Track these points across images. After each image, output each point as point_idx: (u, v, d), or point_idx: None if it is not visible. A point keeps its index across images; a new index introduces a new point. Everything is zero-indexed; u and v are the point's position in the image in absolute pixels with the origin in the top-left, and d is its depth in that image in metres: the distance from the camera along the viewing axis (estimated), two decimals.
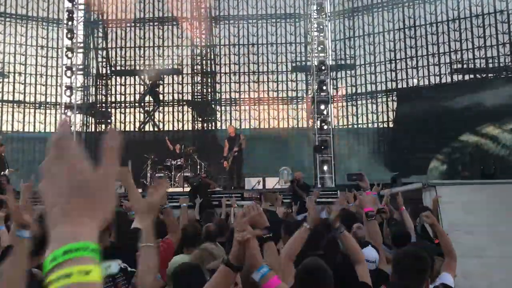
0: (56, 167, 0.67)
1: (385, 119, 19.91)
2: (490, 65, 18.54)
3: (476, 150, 15.34)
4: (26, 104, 20.26)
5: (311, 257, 2.66)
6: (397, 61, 19.67)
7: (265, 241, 2.47)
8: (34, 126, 20.35)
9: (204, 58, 20.73)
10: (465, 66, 18.81)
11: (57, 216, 0.63)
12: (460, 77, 19.12)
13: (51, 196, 0.64)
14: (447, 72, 19.04)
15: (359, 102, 20.34)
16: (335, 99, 19.73)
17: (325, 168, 16.75)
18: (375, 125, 20.12)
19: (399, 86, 19.67)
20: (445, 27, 19.03)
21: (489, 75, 18.77)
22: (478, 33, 18.52)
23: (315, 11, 17.48)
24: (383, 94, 19.92)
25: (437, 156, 17.22)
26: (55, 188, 0.65)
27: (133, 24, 20.93)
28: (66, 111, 17.99)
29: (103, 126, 20.63)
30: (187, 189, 13.06)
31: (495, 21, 18.33)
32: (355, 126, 20.37)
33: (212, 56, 20.90)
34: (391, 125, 19.71)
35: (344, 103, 20.50)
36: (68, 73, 17.13)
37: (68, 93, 16.92)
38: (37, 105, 20.39)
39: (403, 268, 2.75)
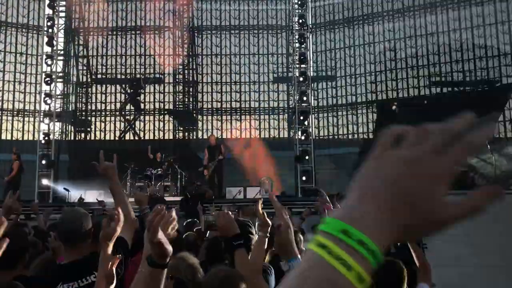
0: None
1: (365, 130, 20.17)
2: (467, 78, 18.97)
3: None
4: (3, 111, 19.92)
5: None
6: (377, 73, 19.99)
7: (235, 248, 2.47)
8: (12, 133, 20.01)
9: (186, 67, 20.72)
10: (443, 79, 19.21)
11: (372, 202, 0.55)
12: (439, 89, 19.50)
13: (380, 184, 0.56)
14: (425, 85, 19.41)
15: (339, 113, 20.56)
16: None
17: (304, 178, 16.81)
18: (355, 136, 20.34)
19: (379, 97, 19.97)
20: (424, 41, 19.44)
21: (466, 88, 19.20)
22: (456, 47, 18.96)
23: (297, 23, 17.64)
24: (363, 105, 20.19)
25: None
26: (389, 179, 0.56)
27: (114, 32, 20.83)
28: (45, 119, 17.74)
29: (83, 134, 20.40)
30: (168, 198, 12.98)
31: (471, 36, 18.79)
32: (336, 136, 20.56)
33: (194, 66, 20.90)
34: (371, 136, 19.95)
35: (325, 114, 20.71)
36: (48, 80, 16.92)
37: (47, 100, 16.69)
38: (15, 112, 20.07)
39: (379, 281, 2.77)
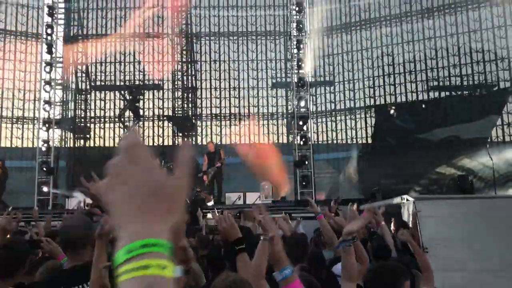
0: (129, 170, 0.67)
1: (364, 135, 20.22)
2: (465, 83, 19.05)
3: (453, 183, 15.47)
4: (2, 119, 19.94)
5: (302, 273, 2.69)
6: (375, 78, 20.06)
7: (237, 253, 2.48)
8: (11, 141, 20.02)
9: (185, 73, 20.77)
10: (441, 83, 19.29)
11: (129, 215, 0.64)
12: (436, 94, 19.57)
13: (120, 196, 0.65)
14: (423, 89, 19.48)
15: (338, 118, 20.61)
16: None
17: (304, 183, 16.82)
18: (354, 141, 20.39)
19: (377, 102, 20.03)
20: (421, 45, 19.53)
21: (464, 92, 19.28)
22: (453, 51, 19.06)
23: (295, 29, 17.72)
24: (361, 110, 20.25)
25: (415, 188, 17.28)
26: (126, 189, 0.65)
27: (113, 39, 20.89)
28: (44, 126, 17.74)
29: (82, 141, 20.40)
30: None
31: (469, 40, 18.89)
32: (335, 141, 20.61)
33: (193, 72, 20.96)
34: (369, 140, 20.01)
35: (324, 119, 20.77)
36: (47, 87, 16.95)
37: (46, 108, 16.71)
38: (14, 119, 20.08)
39: (372, 285, 2.78)
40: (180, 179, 0.71)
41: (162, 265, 0.60)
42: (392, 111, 19.31)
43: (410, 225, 6.27)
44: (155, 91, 20.82)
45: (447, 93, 19.50)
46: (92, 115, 20.62)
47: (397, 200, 7.42)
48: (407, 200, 7.20)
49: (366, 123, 20.18)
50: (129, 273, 0.59)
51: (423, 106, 19.23)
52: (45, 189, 15.89)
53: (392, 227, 5.89)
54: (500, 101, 18.39)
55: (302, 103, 17.30)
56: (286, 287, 2.01)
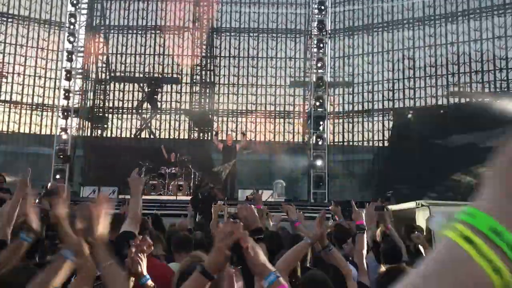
0: None
1: (381, 138, 20.05)
2: (486, 90, 18.75)
3: (468, 190, 15.22)
4: (22, 105, 20.22)
5: (313, 269, 2.68)
6: (395, 81, 19.86)
7: (256, 242, 2.48)
8: (30, 127, 20.30)
9: (204, 68, 20.82)
10: (461, 89, 19.02)
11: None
12: (456, 100, 19.30)
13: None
14: (443, 95, 19.23)
15: (355, 120, 20.47)
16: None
17: (318, 183, 16.76)
18: (370, 143, 20.23)
19: (396, 105, 19.83)
20: (444, 50, 19.27)
21: (485, 99, 18.97)
22: (476, 57, 18.76)
23: (316, 28, 17.62)
24: (379, 113, 20.07)
25: (429, 194, 17.07)
26: None
27: (134, 31, 21.03)
28: (63, 114, 17.95)
29: (99, 131, 20.60)
30: (181, 197, 13.07)
31: (492, 47, 18.58)
32: (351, 143, 20.47)
33: (212, 67, 21.00)
34: (386, 144, 19.82)
35: (340, 120, 20.64)
36: (67, 76, 17.14)
37: (66, 96, 16.90)
38: (34, 106, 20.36)
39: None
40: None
41: (498, 266, 0.51)
42: (410, 115, 19.11)
43: (424, 231, 6.20)
44: (174, 84, 20.91)
45: (467, 100, 19.22)
46: (111, 105, 20.79)
47: (411, 204, 7.33)
48: (422, 205, 7.10)
49: (383, 126, 20.01)
50: (474, 250, 0.51)
51: (442, 111, 18.98)
52: (57, 176, 16.05)
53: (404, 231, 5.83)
54: None
55: (319, 103, 17.21)
56: None
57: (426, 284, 0.52)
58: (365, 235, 4.13)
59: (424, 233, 6.11)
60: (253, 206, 2.64)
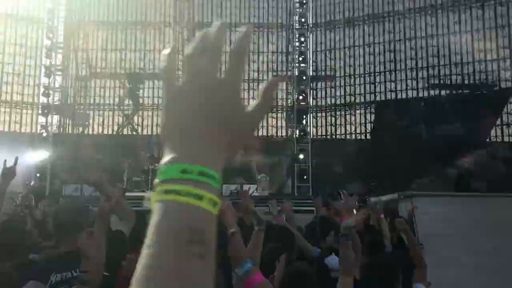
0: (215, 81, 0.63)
1: (363, 131, 20.20)
2: (466, 81, 19.01)
3: (450, 181, 15.35)
4: (1, 103, 19.85)
5: (298, 262, 2.70)
6: (376, 74, 20.02)
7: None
8: (9, 125, 19.95)
9: None
10: (441, 81, 19.25)
11: (189, 133, 0.58)
12: (437, 92, 19.53)
13: (189, 106, 0.59)
14: (424, 87, 19.45)
15: (337, 113, 20.58)
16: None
17: (302, 176, 16.85)
18: (353, 136, 20.37)
19: (377, 98, 20.00)
20: (423, 42, 19.47)
21: (465, 91, 19.23)
22: (455, 50, 19.00)
23: (297, 22, 17.66)
24: (361, 106, 20.21)
25: (412, 185, 17.14)
26: (199, 101, 0.60)
27: (114, 27, 20.79)
28: (43, 112, 17.71)
29: (80, 128, 20.36)
30: None
31: (471, 38, 18.84)
32: (333, 136, 20.59)
33: None
34: (368, 136, 19.99)
35: (323, 113, 20.72)
36: (47, 73, 16.90)
37: (46, 93, 16.67)
38: (13, 104, 20.01)
39: (373, 277, 2.79)
40: (258, 115, 0.64)
41: (214, 201, 0.54)
42: (391, 108, 19.28)
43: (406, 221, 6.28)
44: (155, 80, 20.75)
45: (448, 92, 19.47)
46: (91, 102, 20.55)
47: (394, 196, 7.42)
48: (404, 196, 7.19)
49: (365, 119, 20.16)
50: (175, 195, 0.53)
51: (423, 103, 19.20)
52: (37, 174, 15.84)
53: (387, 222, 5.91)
54: (500, 101, 18.36)
55: (302, 97, 17.27)
56: (248, 281, 2.02)
57: (154, 259, 0.51)
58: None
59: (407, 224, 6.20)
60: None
